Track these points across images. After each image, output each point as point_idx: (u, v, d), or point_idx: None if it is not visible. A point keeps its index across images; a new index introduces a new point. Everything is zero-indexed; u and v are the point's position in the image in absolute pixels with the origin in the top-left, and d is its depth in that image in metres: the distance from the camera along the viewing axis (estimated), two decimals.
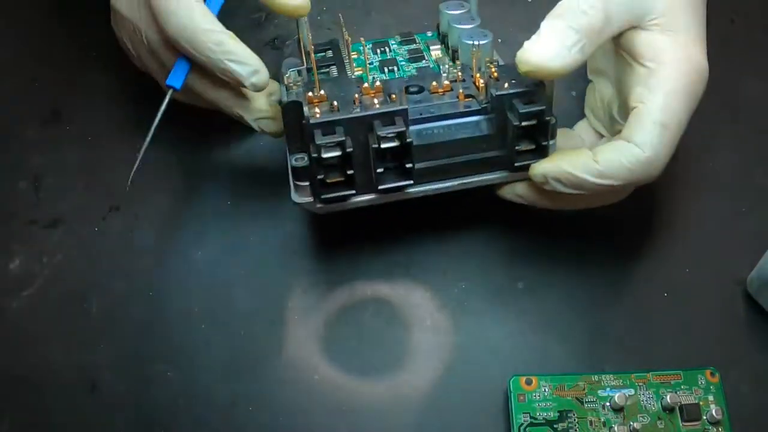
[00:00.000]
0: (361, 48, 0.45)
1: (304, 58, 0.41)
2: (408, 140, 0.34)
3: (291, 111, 0.33)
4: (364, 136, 0.34)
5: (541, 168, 0.35)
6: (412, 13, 0.53)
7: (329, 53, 0.44)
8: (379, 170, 0.35)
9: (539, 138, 0.35)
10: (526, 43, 0.34)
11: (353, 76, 0.41)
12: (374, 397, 0.37)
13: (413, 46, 0.45)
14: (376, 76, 0.42)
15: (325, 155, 0.34)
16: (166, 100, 0.38)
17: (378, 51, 0.45)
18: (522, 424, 0.35)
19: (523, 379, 0.36)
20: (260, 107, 0.39)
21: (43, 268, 0.42)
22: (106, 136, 0.47)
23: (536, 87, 0.35)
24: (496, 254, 0.41)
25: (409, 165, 0.35)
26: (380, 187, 0.36)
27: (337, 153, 0.34)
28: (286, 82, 0.39)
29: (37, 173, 0.45)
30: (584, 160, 0.35)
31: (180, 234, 0.43)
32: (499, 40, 0.50)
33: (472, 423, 0.36)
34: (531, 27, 0.53)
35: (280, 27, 0.53)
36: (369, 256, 0.40)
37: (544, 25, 0.34)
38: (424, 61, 0.43)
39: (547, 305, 0.39)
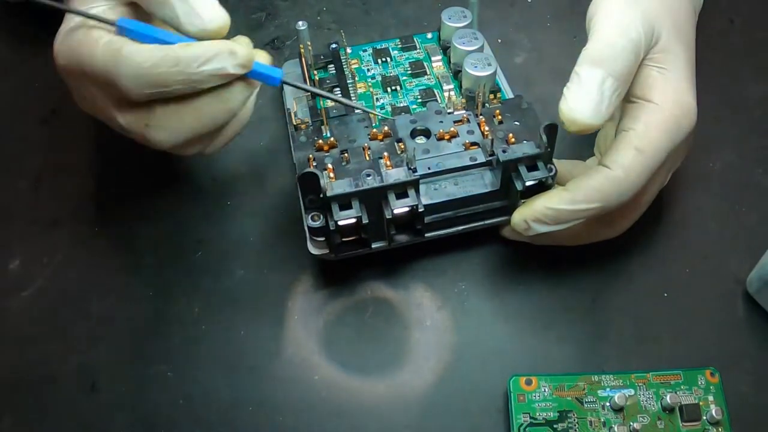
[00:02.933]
0: (362, 54, 0.46)
1: (308, 80, 0.43)
2: (420, 210, 0.35)
3: (308, 181, 0.35)
4: (377, 201, 0.36)
5: (518, 215, 0.36)
6: (411, 13, 0.53)
7: (332, 69, 0.44)
8: (392, 232, 0.37)
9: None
10: (570, 98, 0.34)
11: (359, 110, 0.42)
12: (374, 397, 0.37)
13: (414, 55, 0.45)
14: (379, 96, 0.43)
15: (341, 223, 0.35)
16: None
17: (379, 60, 0.45)
18: (522, 424, 0.35)
19: (523, 379, 0.36)
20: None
21: (43, 268, 0.42)
22: (105, 136, 0.46)
23: (540, 151, 0.36)
24: (496, 254, 0.41)
25: (419, 227, 0.37)
26: (393, 245, 0.38)
27: (353, 221, 0.36)
28: (295, 122, 0.40)
29: (37, 173, 0.45)
30: (556, 192, 0.35)
31: (180, 234, 0.43)
32: (499, 41, 0.50)
33: (472, 423, 0.36)
34: (530, 27, 0.53)
35: (280, 27, 0.53)
36: (369, 256, 0.40)
37: (584, 74, 0.34)
38: (426, 77, 0.44)
39: (547, 305, 0.39)
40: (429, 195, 0.37)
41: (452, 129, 0.39)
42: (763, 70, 0.48)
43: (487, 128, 0.39)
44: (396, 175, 0.36)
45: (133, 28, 0.34)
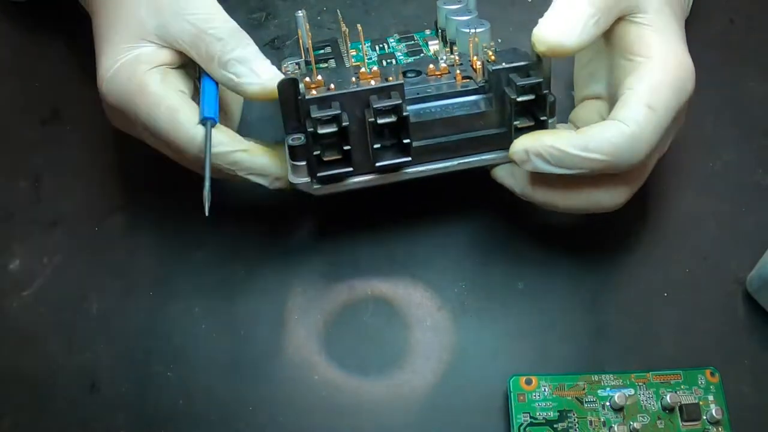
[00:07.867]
0: (360, 46, 0.46)
1: (303, 53, 0.41)
2: (405, 114, 0.33)
3: (287, 89, 0.33)
4: (360, 111, 0.34)
5: (521, 143, 0.34)
6: (411, 12, 0.53)
7: (328, 49, 0.44)
8: (376, 146, 0.34)
9: (538, 113, 0.35)
10: (542, 20, 0.33)
11: (351, 66, 0.41)
12: (374, 397, 0.37)
13: (412, 43, 0.45)
14: (374, 69, 0.42)
15: (321, 131, 0.33)
16: (209, 138, 0.35)
17: (376, 47, 0.45)
18: (522, 424, 0.35)
19: (523, 379, 0.36)
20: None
21: (43, 268, 0.42)
22: (106, 136, 0.47)
23: (534, 62, 0.34)
24: (496, 254, 0.41)
25: (406, 141, 0.34)
26: (378, 164, 0.35)
27: (334, 128, 0.33)
28: (283, 71, 0.39)
29: (37, 173, 0.45)
30: (567, 134, 0.34)
31: (180, 234, 0.43)
32: (499, 40, 0.50)
33: (472, 423, 0.36)
34: (531, 27, 0.53)
35: (280, 27, 0.53)
36: (369, 256, 0.40)
37: (559, 0, 0.33)
38: (422, 55, 0.43)
39: (547, 305, 0.39)
40: (418, 116, 0.35)
41: (444, 66, 0.37)
42: (764, 69, 0.48)
43: (479, 64, 0.37)
44: (381, 84, 0.34)
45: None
